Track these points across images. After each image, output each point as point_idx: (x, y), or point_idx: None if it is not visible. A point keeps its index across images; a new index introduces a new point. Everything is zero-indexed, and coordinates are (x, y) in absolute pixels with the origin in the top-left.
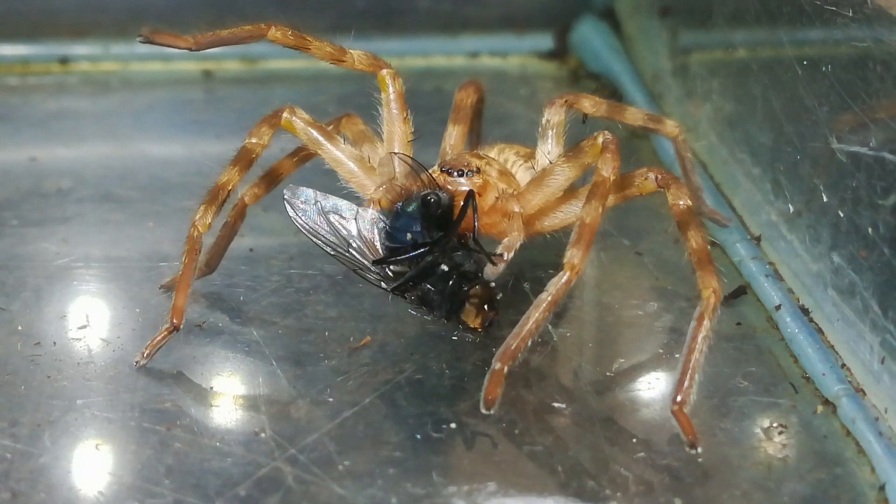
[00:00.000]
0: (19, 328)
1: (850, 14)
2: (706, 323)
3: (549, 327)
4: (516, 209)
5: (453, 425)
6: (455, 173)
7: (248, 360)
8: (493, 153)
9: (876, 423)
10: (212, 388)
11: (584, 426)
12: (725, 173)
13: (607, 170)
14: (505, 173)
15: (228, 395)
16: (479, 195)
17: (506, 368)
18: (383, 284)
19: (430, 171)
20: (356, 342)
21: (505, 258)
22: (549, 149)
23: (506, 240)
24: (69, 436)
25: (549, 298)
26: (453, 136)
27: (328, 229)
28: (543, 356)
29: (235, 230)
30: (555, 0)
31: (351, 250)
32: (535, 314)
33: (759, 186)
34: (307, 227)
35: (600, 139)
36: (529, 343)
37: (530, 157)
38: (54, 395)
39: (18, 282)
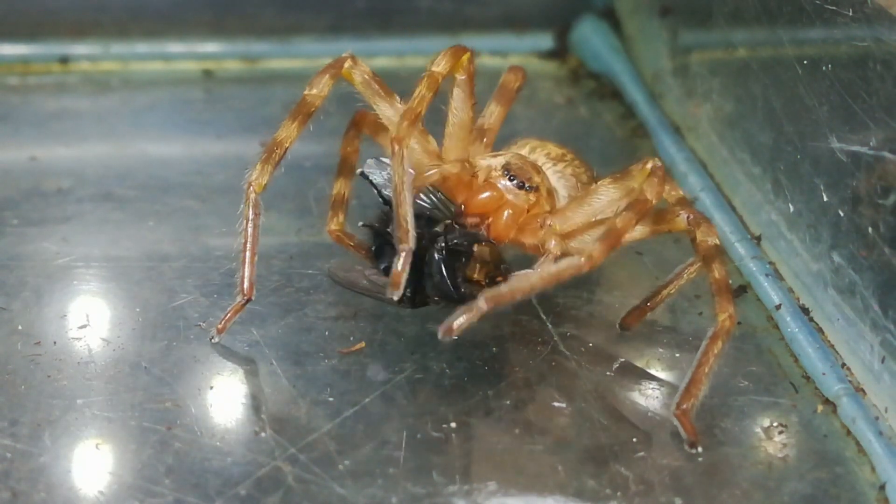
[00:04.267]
0: (19, 328)
1: (850, 14)
2: (720, 343)
3: (549, 327)
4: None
5: (453, 425)
6: (514, 181)
7: (248, 360)
8: (524, 151)
9: (876, 422)
10: (212, 388)
11: (584, 426)
12: (725, 173)
13: (651, 192)
14: (552, 193)
15: (228, 395)
16: (528, 211)
17: None
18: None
19: (492, 163)
20: (352, 345)
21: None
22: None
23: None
24: (69, 435)
25: (552, 270)
26: (494, 115)
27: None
28: (543, 356)
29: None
30: (555, 0)
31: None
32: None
33: (759, 186)
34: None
35: (649, 165)
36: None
37: (560, 159)
38: (54, 395)
39: (18, 281)
